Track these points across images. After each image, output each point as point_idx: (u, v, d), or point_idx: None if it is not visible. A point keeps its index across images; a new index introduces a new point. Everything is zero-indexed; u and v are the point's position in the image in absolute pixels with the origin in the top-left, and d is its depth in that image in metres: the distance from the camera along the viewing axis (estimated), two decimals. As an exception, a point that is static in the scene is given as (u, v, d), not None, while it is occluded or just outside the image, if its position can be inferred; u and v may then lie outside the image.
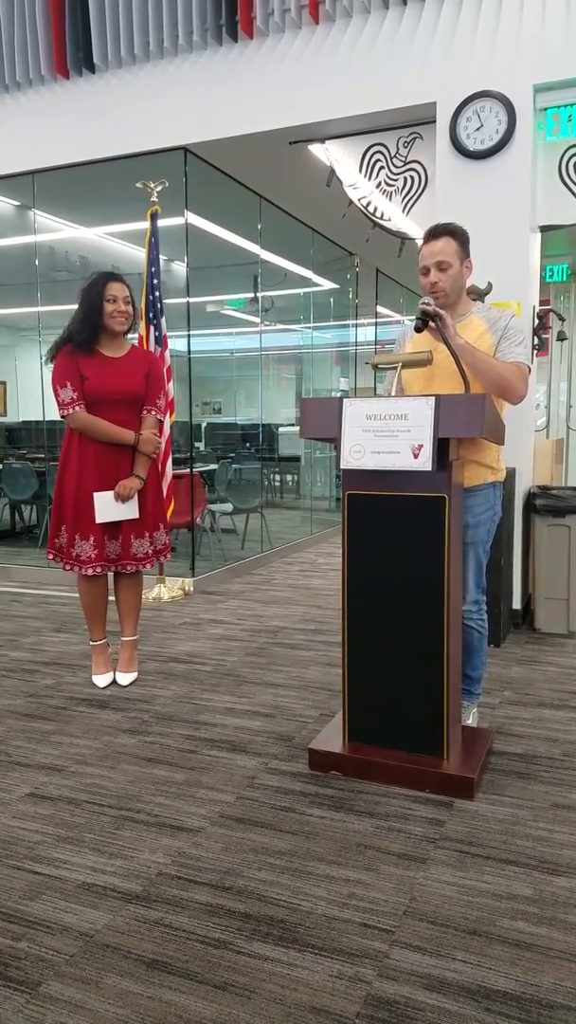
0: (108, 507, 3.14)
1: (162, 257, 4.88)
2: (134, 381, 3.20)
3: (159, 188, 4.71)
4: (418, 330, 2.52)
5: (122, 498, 3.15)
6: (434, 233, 2.59)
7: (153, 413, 3.26)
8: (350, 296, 8.31)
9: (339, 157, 4.66)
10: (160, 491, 3.46)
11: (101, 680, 3.34)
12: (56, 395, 3.12)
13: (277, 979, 1.58)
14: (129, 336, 3.30)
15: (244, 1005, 1.51)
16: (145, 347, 4.62)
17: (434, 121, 4.13)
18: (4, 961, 1.64)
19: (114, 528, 3.21)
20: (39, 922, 1.76)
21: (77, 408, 3.10)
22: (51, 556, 3.26)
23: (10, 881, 1.92)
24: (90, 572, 3.16)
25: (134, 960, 1.64)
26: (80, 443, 3.16)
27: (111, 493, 3.14)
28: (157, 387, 3.29)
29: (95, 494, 3.11)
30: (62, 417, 3.15)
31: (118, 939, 1.71)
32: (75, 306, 3.17)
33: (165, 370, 4.69)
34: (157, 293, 4.70)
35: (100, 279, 3.12)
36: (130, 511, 3.20)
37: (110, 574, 3.30)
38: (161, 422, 3.34)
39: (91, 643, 3.40)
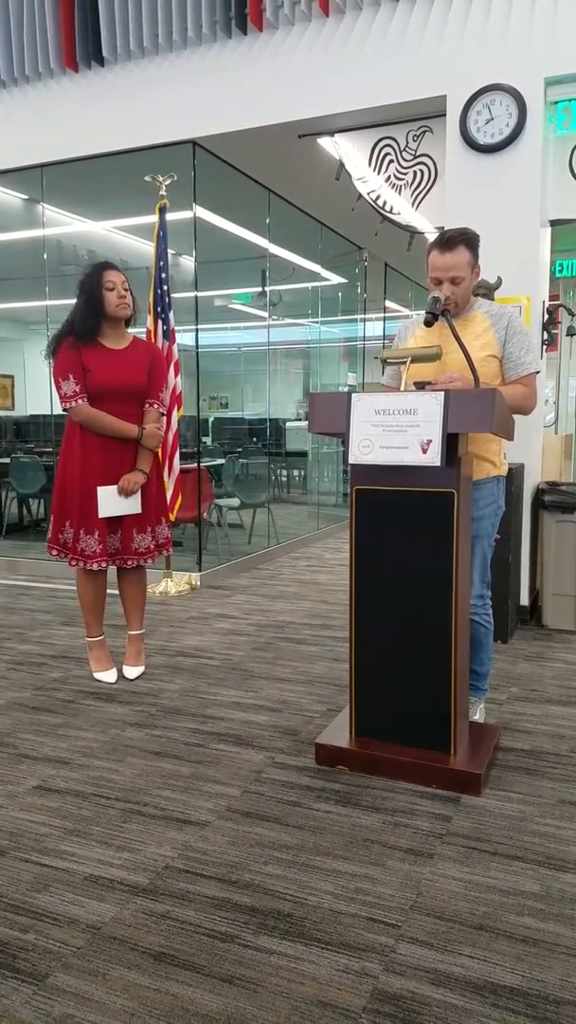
0: (111, 502, 3.13)
1: (170, 251, 4.87)
2: (137, 374, 3.17)
3: (168, 182, 4.71)
4: (428, 324, 2.50)
5: (126, 493, 3.14)
6: (448, 243, 2.48)
7: (156, 407, 3.24)
8: (358, 291, 8.28)
9: (348, 151, 4.64)
10: (162, 485, 3.42)
11: (108, 676, 3.32)
12: (58, 388, 3.10)
13: (283, 973, 1.58)
14: (138, 330, 3.28)
15: (250, 998, 1.51)
16: (153, 341, 4.62)
17: (444, 114, 4.11)
18: (12, 953, 1.64)
19: (115, 522, 3.19)
20: (46, 914, 1.77)
21: (80, 401, 3.08)
22: (54, 552, 3.21)
23: (17, 873, 1.93)
24: (96, 567, 3.15)
25: (141, 953, 1.64)
26: (83, 437, 3.13)
27: (114, 488, 3.13)
28: (160, 380, 3.27)
29: (99, 489, 3.09)
30: (64, 410, 3.13)
31: (125, 932, 1.71)
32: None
33: (173, 364, 4.69)
34: (165, 287, 4.70)
35: (96, 269, 3.10)
36: (133, 506, 3.19)
37: (111, 568, 3.28)
38: (163, 415, 3.33)
39: (90, 640, 3.37)
